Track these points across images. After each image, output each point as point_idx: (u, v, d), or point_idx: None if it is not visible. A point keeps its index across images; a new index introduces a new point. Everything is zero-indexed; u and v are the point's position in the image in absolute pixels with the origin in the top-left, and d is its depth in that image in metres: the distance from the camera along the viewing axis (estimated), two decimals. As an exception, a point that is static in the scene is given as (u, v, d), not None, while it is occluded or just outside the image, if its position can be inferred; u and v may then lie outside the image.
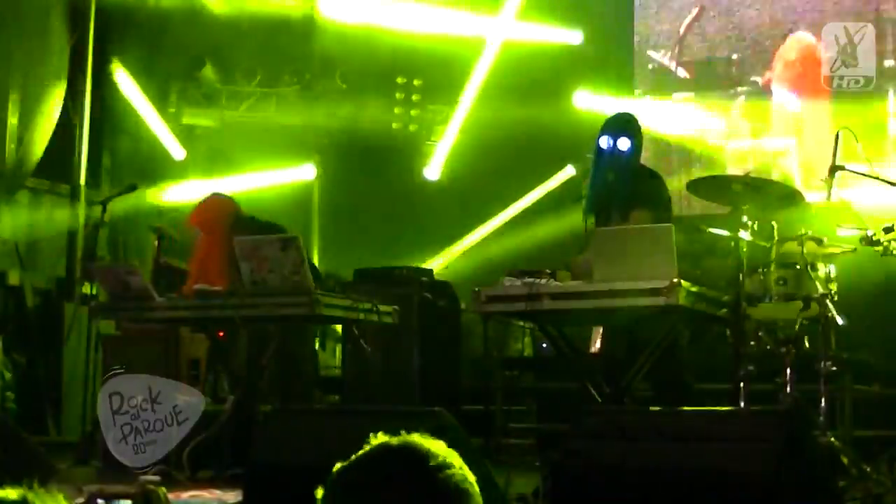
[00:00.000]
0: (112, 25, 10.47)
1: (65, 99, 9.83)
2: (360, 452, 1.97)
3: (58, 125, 9.77)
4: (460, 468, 1.96)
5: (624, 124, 5.96)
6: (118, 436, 5.10)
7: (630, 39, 11.15)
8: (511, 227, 11.39)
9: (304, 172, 11.47)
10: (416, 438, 1.98)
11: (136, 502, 4.29)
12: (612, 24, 11.27)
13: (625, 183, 5.81)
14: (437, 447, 1.97)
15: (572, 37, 11.25)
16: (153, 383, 5.18)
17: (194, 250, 7.19)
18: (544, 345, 8.13)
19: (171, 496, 5.24)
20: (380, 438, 1.99)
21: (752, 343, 5.64)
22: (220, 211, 7.08)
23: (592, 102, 10.82)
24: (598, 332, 6.52)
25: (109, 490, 4.48)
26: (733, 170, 10.19)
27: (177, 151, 10.90)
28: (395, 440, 1.98)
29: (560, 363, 6.04)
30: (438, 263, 10.88)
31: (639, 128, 6.02)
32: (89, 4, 9.90)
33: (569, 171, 11.08)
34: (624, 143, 5.79)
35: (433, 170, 11.51)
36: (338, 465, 1.97)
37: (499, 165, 11.11)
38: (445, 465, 1.94)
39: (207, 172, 10.74)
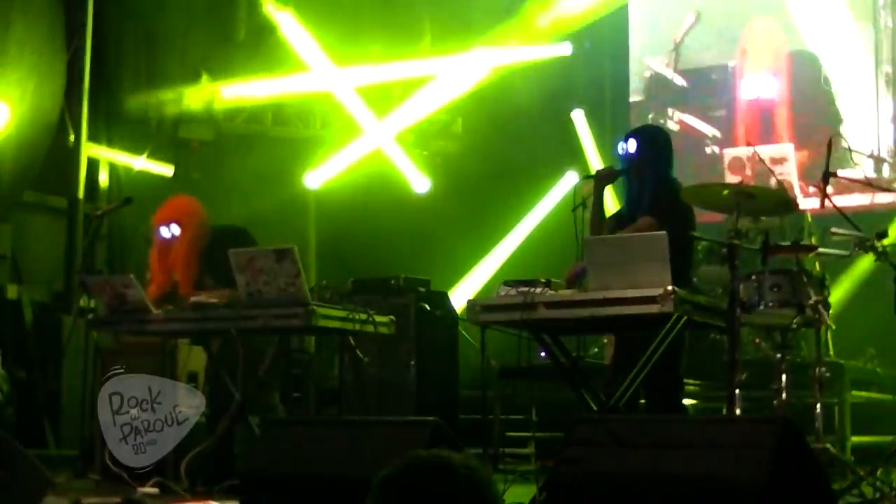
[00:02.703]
0: (109, 37, 10.50)
1: (62, 112, 9.84)
2: (397, 463, 2.30)
3: (55, 139, 9.79)
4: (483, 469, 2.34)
5: (636, 130, 6.21)
6: (118, 436, 5.10)
7: (626, 47, 11.19)
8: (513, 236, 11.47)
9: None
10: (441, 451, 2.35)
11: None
12: (608, 33, 11.32)
13: (636, 184, 5.83)
14: (459, 456, 2.33)
15: (562, 49, 11.29)
16: (153, 384, 5.19)
17: (158, 251, 6.69)
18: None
19: (167, 508, 5.27)
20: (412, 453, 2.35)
21: (747, 350, 5.65)
22: (192, 207, 6.79)
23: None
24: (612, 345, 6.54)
25: (89, 501, 4.48)
26: (731, 177, 10.23)
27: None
28: (423, 452, 2.34)
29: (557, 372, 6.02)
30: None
31: (653, 134, 6.08)
32: (86, 17, 9.91)
33: (570, 179, 11.10)
34: (631, 145, 5.86)
35: (420, 182, 11.51)
36: (377, 477, 2.29)
37: (498, 176, 11.15)
38: (471, 466, 2.31)
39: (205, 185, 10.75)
